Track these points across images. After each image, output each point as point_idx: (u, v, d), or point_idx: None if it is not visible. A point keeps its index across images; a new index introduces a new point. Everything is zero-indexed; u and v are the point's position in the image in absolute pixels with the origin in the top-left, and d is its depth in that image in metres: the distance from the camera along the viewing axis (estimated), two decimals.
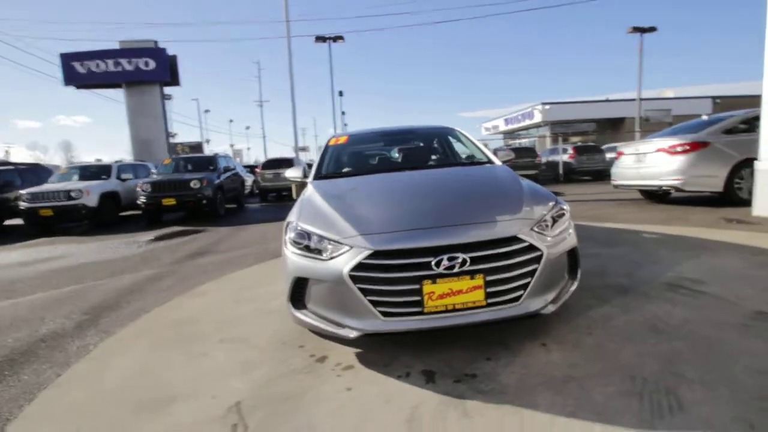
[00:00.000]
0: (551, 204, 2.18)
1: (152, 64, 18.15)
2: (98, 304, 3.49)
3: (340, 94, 29.77)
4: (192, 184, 8.83)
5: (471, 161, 3.12)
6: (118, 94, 19.86)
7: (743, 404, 1.53)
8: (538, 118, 31.89)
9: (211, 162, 10.29)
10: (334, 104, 22.31)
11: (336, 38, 19.51)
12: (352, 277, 1.86)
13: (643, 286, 2.84)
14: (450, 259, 1.82)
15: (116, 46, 18.04)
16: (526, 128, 35.05)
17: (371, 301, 1.86)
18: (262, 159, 39.94)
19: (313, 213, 2.32)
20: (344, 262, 1.89)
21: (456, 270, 1.82)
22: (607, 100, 34.27)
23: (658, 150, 6.17)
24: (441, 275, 1.82)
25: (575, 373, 1.83)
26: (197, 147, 31.53)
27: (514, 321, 1.99)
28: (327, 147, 3.47)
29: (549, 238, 2.00)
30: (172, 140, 22.73)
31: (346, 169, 3.27)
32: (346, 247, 1.93)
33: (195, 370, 2.19)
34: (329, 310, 2.00)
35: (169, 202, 8.71)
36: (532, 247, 1.92)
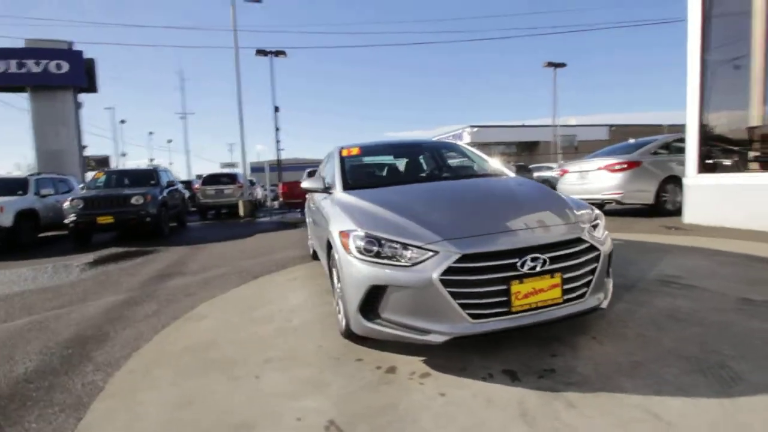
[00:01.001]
0: (590, 211, 2.43)
1: (65, 67, 16.08)
2: (75, 336, 3.00)
3: (276, 110, 29.04)
4: (134, 201, 7.95)
5: (490, 173, 3.32)
6: (17, 99, 17.18)
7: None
8: (467, 139, 34.20)
9: (151, 176, 9.38)
10: (276, 120, 21.70)
11: (278, 53, 19.20)
12: (442, 281, 1.88)
13: (640, 283, 3.22)
14: (533, 260, 1.94)
15: (22, 44, 15.74)
16: None
17: (460, 304, 1.90)
18: (184, 175, 37.08)
19: (372, 220, 2.28)
20: (432, 266, 1.91)
21: (538, 270, 1.94)
22: (524, 126, 38.08)
23: (600, 168, 7.05)
24: (526, 275, 1.93)
25: (637, 359, 2.03)
26: (104, 161, 28.17)
27: (580, 316, 2.15)
28: (342, 158, 3.43)
29: (599, 240, 2.22)
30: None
31: (372, 180, 3.27)
32: (430, 253, 1.95)
33: (253, 393, 2.01)
34: (411, 317, 1.99)
35: (105, 220, 7.73)
36: (592, 248, 2.12)
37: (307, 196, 5.21)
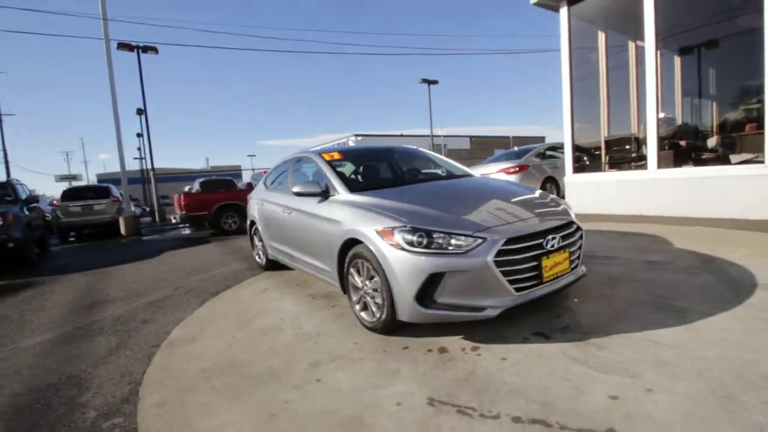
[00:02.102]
0: (566, 201, 3.05)
1: None
2: (36, 385, 2.40)
3: (140, 112, 25.34)
4: None
5: (465, 174, 3.76)
6: None
7: (693, 296, 2.68)
8: None
9: (6, 190, 7.43)
10: (144, 124, 18.94)
11: (147, 48, 16.89)
12: (495, 263, 2.21)
13: None
14: (552, 239, 2.42)
15: None
16: None
17: (508, 281, 2.25)
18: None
19: (407, 216, 2.47)
20: (485, 251, 2.22)
21: (556, 246, 2.43)
22: (402, 135, 41.14)
23: (499, 171, 8.33)
24: (550, 252, 2.40)
25: (615, 309, 2.68)
26: None
27: (576, 282, 2.71)
28: (329, 162, 3.47)
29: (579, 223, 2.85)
30: None
31: (372, 182, 3.38)
32: (480, 240, 2.26)
33: (331, 393, 2.01)
34: (466, 298, 2.26)
35: None
36: (579, 228, 2.71)
37: (252, 204, 4.96)
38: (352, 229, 2.70)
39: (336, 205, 3.03)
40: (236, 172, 39.69)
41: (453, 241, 2.27)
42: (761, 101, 5.47)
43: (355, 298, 2.84)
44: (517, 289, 2.29)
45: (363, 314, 2.77)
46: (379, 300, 2.57)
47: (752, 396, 1.67)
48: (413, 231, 2.33)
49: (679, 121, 7.37)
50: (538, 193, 3.11)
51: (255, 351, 2.61)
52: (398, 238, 2.35)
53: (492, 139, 44.34)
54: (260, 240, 4.84)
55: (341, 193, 3.10)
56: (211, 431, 1.81)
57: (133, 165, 33.67)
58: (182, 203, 9.17)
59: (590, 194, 7.09)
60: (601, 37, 7.55)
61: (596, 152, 7.50)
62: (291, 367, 2.34)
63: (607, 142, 7.37)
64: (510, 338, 2.41)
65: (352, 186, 3.18)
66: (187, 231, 11.72)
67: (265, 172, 10.37)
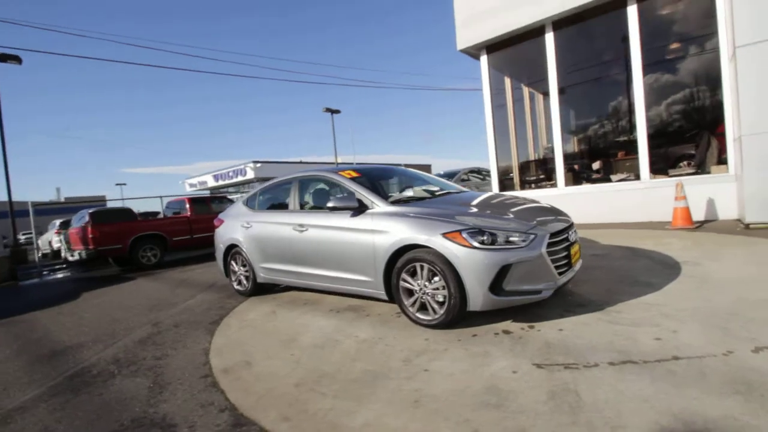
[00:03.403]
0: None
1: None
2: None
3: None
4: None
5: (461, 189, 4.29)
6: None
7: (645, 274, 3.63)
8: (250, 174, 33.82)
9: None
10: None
11: (6, 57, 13.96)
12: (547, 253, 2.76)
13: None
14: (573, 234, 3.08)
15: None
16: (239, 184, 36.14)
17: (554, 267, 2.81)
18: None
19: (466, 220, 2.88)
20: (539, 244, 2.75)
21: (574, 239, 3.10)
22: (302, 162, 41.00)
23: None
24: (572, 243, 3.05)
25: (605, 288, 3.46)
26: None
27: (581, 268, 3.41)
28: (354, 179, 3.67)
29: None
30: None
31: (402, 197, 3.66)
32: (532, 236, 2.78)
33: (448, 378, 2.25)
34: (524, 283, 2.73)
35: None
36: (573, 225, 3.46)
37: (231, 227, 4.73)
38: (409, 236, 2.98)
39: (378, 217, 3.25)
40: (100, 202, 34.02)
41: (512, 238, 2.75)
42: (629, 136, 7.40)
43: (409, 301, 3.08)
44: (559, 273, 2.87)
45: (419, 314, 3.02)
46: (440, 298, 2.88)
47: (733, 323, 2.48)
48: (480, 232, 2.75)
49: (570, 149, 9.31)
50: (537, 202, 3.82)
51: (332, 361, 2.65)
52: (468, 238, 2.74)
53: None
54: (243, 265, 4.63)
55: (380, 206, 3.34)
56: (368, 426, 1.89)
57: None
58: (89, 236, 7.82)
59: None
60: (507, 81, 9.19)
61: (510, 174, 8.97)
62: (386, 366, 2.48)
63: (520, 166, 8.88)
64: (549, 316, 2.96)
65: (387, 198, 3.45)
66: (69, 272, 9.82)
67: (189, 200, 9.54)
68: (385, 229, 3.17)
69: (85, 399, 2.49)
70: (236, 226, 4.70)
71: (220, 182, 36.88)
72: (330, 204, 3.43)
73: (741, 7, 4.88)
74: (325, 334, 3.15)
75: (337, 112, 28.23)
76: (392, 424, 1.87)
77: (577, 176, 7.99)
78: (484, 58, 8.22)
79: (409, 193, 3.85)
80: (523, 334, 2.70)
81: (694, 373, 2.00)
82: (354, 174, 3.86)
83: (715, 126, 6.56)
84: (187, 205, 9.42)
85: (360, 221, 3.36)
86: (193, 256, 10.20)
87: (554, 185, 7.75)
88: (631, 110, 7.19)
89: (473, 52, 8.33)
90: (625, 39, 6.67)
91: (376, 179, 3.99)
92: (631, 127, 7.45)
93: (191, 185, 40.11)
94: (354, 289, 3.53)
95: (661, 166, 7.05)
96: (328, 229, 3.61)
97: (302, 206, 4.13)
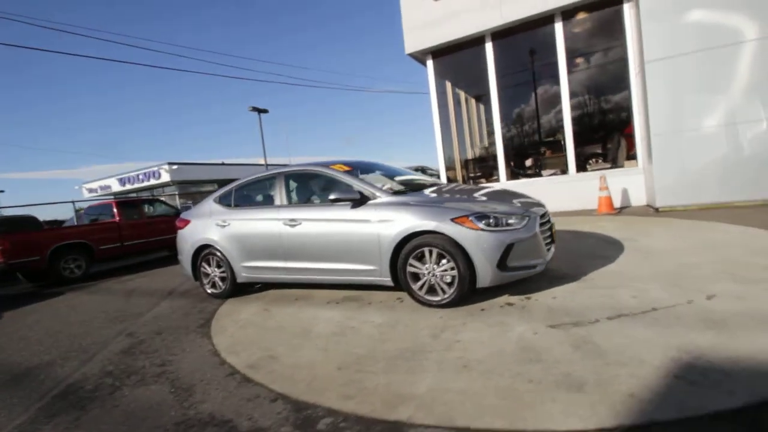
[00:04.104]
0: None
1: None
2: None
3: None
4: None
5: (438, 182, 4.57)
6: None
7: (599, 249, 4.29)
8: (165, 177, 30.96)
9: None
10: None
11: None
12: (541, 232, 3.15)
13: None
14: (550, 216, 3.54)
15: None
16: (152, 188, 32.80)
17: (545, 244, 3.22)
18: None
19: (471, 206, 3.16)
20: (533, 225, 3.13)
21: (551, 221, 3.56)
22: (223, 164, 38.59)
23: None
24: (552, 224, 3.50)
25: (576, 263, 4.01)
26: None
27: None
28: (348, 172, 3.73)
29: None
30: None
31: (400, 187, 3.79)
32: (527, 218, 3.15)
33: (481, 344, 2.50)
34: (523, 260, 3.09)
35: None
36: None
37: (203, 227, 4.46)
38: (418, 224, 3.17)
39: (382, 207, 3.39)
40: None
41: (511, 221, 3.10)
42: (554, 137, 8.43)
43: (416, 285, 3.26)
44: (547, 250, 3.29)
45: (428, 296, 3.23)
46: (448, 279, 3.12)
47: (683, 281, 3.10)
48: (485, 216, 3.05)
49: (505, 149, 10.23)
50: (520, 191, 4.26)
51: (361, 345, 2.73)
52: (475, 222, 3.01)
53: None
54: (219, 266, 4.40)
55: (381, 197, 3.48)
56: (433, 391, 2.04)
57: None
58: (1, 248, 6.61)
59: None
60: (448, 85, 9.84)
61: (454, 172, 9.61)
62: (418, 342, 2.64)
63: (463, 164, 9.56)
64: (538, 288, 3.37)
65: (390, 190, 3.59)
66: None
67: (117, 203, 8.55)
68: (390, 218, 3.31)
69: (100, 413, 2.25)
70: (208, 226, 4.45)
71: (128, 186, 33.09)
72: (332, 196, 3.48)
73: (649, 28, 5.94)
74: (339, 323, 3.20)
75: (265, 111, 27.15)
76: (456, 386, 2.05)
77: (513, 172, 8.86)
78: (430, 63, 8.71)
79: (397, 186, 4.03)
80: (525, 304, 3.06)
81: (672, 318, 2.50)
82: (345, 168, 3.93)
83: (623, 127, 7.81)
84: (115, 210, 8.44)
85: (362, 212, 3.46)
86: (125, 266, 9.17)
87: (497, 180, 8.51)
88: (557, 114, 8.21)
89: (420, 56, 8.78)
90: (553, 51, 7.62)
91: (365, 172, 4.10)
92: (557, 129, 8.51)
93: (90, 190, 35.39)
94: (355, 279, 3.61)
95: (581, 161, 8.17)
96: (326, 222, 3.64)
97: (290, 201, 4.07)
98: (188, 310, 4.22)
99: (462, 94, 10.86)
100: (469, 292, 3.09)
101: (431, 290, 3.24)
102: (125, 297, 5.44)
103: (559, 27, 7.45)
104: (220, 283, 4.46)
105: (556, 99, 7.88)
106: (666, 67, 5.87)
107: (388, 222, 3.31)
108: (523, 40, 8.21)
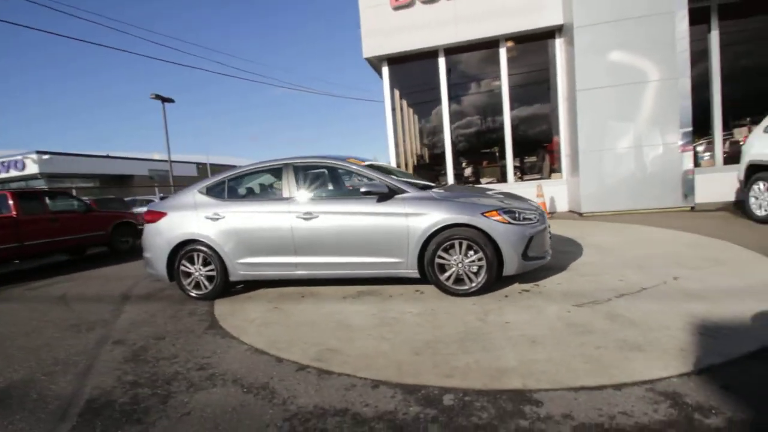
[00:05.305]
0: None
1: None
2: None
3: None
4: None
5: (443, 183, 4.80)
6: None
7: (559, 245, 5.03)
8: (33, 168, 25.75)
9: None
10: None
11: None
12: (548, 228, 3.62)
13: None
14: None
15: None
16: (10, 180, 26.80)
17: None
18: None
19: (495, 202, 3.49)
20: (543, 220, 3.58)
21: None
22: (108, 156, 33.50)
23: None
24: None
25: (554, 257, 4.61)
26: None
27: None
28: (372, 165, 3.76)
29: None
30: None
31: (421, 182, 3.91)
32: (538, 214, 3.59)
33: (529, 324, 2.80)
34: (538, 251, 3.52)
35: None
36: None
37: (188, 220, 4.02)
38: (451, 217, 3.37)
39: (410, 201, 3.51)
40: None
41: (529, 215, 3.50)
42: (491, 149, 9.41)
43: (443, 275, 3.46)
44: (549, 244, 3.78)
45: (455, 286, 3.45)
46: (474, 268, 3.39)
47: (647, 268, 3.85)
48: (510, 210, 3.40)
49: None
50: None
51: (419, 332, 2.82)
52: (504, 216, 3.34)
53: (218, 166, 43.11)
54: (207, 263, 4.01)
55: (410, 191, 3.59)
56: (524, 364, 2.26)
57: None
58: None
59: None
60: (396, 93, 10.24)
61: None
62: (471, 326, 2.83)
63: (414, 168, 10.02)
64: (539, 278, 3.83)
65: (416, 186, 3.72)
66: None
67: (13, 194, 6.96)
68: (420, 211, 3.46)
69: (173, 423, 1.96)
70: (195, 219, 4.02)
71: None
72: (363, 189, 3.49)
73: (581, 62, 7.10)
74: (375, 315, 3.21)
75: (170, 101, 24.36)
76: (539, 357, 2.30)
77: (457, 179, 9.61)
78: (385, 69, 9.00)
79: (413, 181, 4.19)
80: (540, 290, 3.48)
81: (662, 294, 3.13)
82: (361, 162, 3.95)
83: (547, 143, 9.09)
84: (11, 202, 6.86)
85: (390, 206, 3.54)
86: (22, 269, 7.49)
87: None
88: (496, 128, 9.18)
89: (375, 62, 9.02)
90: (497, 73, 8.54)
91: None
92: (494, 141, 9.51)
93: None
94: (376, 273, 3.65)
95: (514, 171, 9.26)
96: (349, 215, 3.62)
97: (300, 193, 3.91)
98: (173, 314, 3.74)
99: (404, 103, 11.38)
100: (495, 280, 3.40)
101: (457, 280, 3.46)
102: (61, 305, 4.53)
103: (503, 52, 8.39)
104: (206, 283, 4.05)
105: (501, 115, 8.80)
106: (592, 96, 7.08)
107: (419, 215, 3.45)
108: (473, 58, 9.02)
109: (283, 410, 1.98)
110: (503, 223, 3.35)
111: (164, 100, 24.05)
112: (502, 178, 9.02)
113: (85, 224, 7.99)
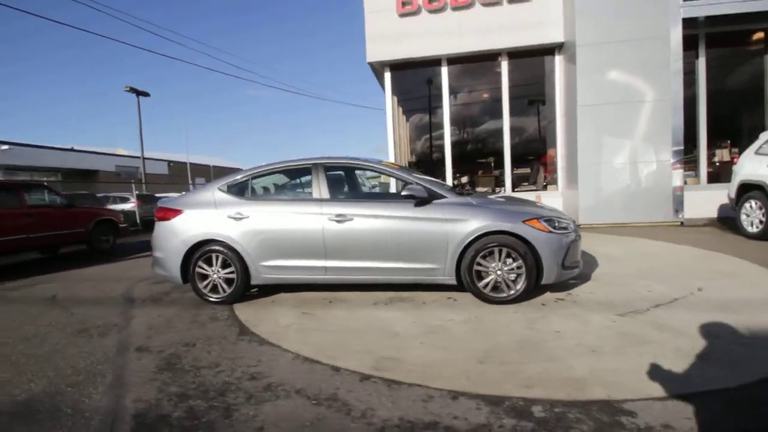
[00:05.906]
0: None
1: None
2: None
3: None
4: None
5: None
6: None
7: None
8: None
9: None
10: None
11: None
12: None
13: None
14: None
15: None
16: None
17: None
18: None
19: (533, 210, 3.50)
20: (575, 229, 3.62)
21: None
22: (73, 150, 31.60)
23: None
24: None
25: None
26: None
27: None
28: (403, 168, 3.67)
29: None
30: None
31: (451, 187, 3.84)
32: (573, 223, 3.63)
33: (581, 328, 2.80)
34: (573, 260, 3.55)
35: None
36: None
37: (208, 219, 3.80)
38: (492, 224, 3.35)
39: (450, 207, 3.47)
40: None
41: (565, 224, 3.53)
42: (487, 159, 9.56)
43: (481, 283, 3.42)
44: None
45: (492, 293, 3.42)
46: (512, 276, 3.38)
47: (668, 279, 3.97)
48: (550, 219, 3.42)
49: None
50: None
51: (474, 341, 2.76)
52: (544, 224, 3.35)
53: (193, 165, 41.57)
54: (227, 265, 3.79)
55: (449, 197, 3.55)
56: (597, 370, 2.24)
57: None
58: None
59: None
60: (394, 100, 10.24)
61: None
62: (521, 334, 2.81)
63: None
64: (568, 287, 3.86)
65: (454, 192, 3.67)
66: None
67: None
68: (459, 217, 3.42)
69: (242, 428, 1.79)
70: (216, 218, 3.80)
71: None
72: (405, 193, 3.42)
73: (582, 80, 7.36)
74: (416, 323, 3.13)
75: (145, 94, 23.27)
76: (606, 366, 2.29)
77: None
78: (387, 75, 8.97)
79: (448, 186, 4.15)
80: (574, 299, 3.51)
81: (693, 305, 3.22)
82: (396, 165, 3.88)
83: (541, 156, 9.34)
84: None
85: (429, 211, 3.47)
86: None
87: None
88: (493, 138, 9.34)
89: (378, 67, 8.98)
90: (498, 85, 8.71)
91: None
92: (490, 151, 9.67)
93: None
94: (411, 279, 3.57)
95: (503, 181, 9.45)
96: (386, 218, 3.53)
97: (332, 195, 3.77)
98: (192, 318, 3.50)
99: (399, 110, 11.40)
100: (534, 288, 3.40)
101: (495, 288, 3.43)
102: (54, 308, 4.14)
103: (504, 65, 8.58)
104: (225, 286, 3.82)
105: (500, 127, 8.96)
106: (593, 111, 7.35)
107: (459, 221, 3.41)
108: (474, 69, 9.16)
109: (366, 424, 1.86)
110: (544, 231, 3.36)
111: (139, 93, 23.00)
112: (503, 189, 9.16)
113: (64, 221, 7.43)
